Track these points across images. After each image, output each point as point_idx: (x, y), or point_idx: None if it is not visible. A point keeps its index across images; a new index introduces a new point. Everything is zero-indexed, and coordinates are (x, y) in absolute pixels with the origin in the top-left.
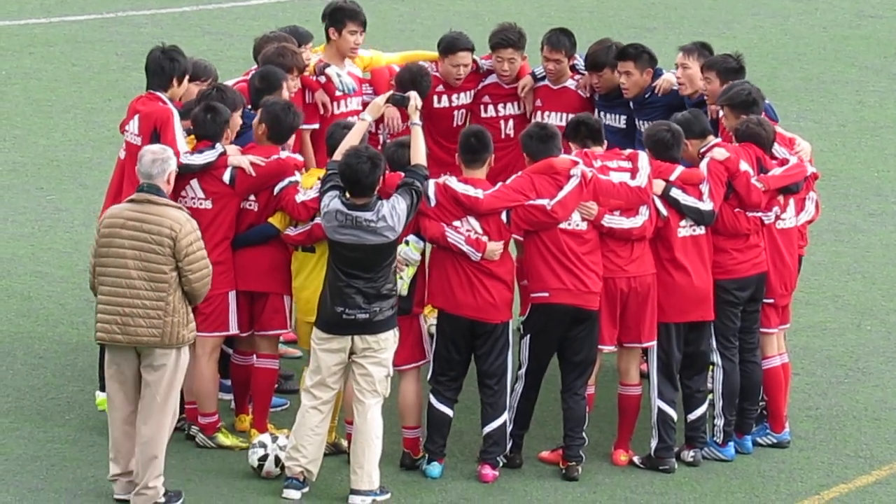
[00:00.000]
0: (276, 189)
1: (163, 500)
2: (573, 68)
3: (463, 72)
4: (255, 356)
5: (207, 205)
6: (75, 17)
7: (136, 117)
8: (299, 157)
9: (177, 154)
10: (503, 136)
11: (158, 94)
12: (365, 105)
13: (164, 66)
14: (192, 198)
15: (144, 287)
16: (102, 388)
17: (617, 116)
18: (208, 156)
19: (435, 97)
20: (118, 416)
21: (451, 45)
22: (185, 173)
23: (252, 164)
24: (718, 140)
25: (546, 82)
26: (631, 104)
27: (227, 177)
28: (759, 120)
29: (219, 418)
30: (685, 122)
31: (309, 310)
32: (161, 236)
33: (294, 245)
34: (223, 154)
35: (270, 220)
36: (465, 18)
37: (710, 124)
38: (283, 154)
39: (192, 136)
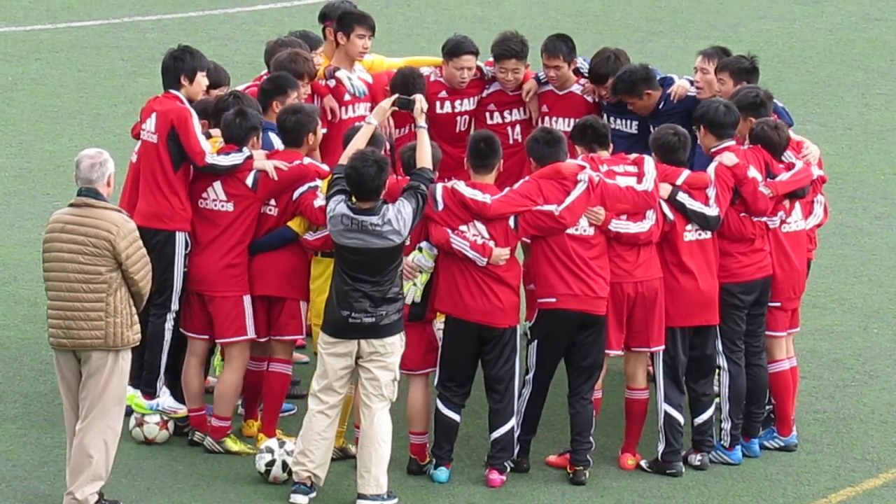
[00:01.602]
0: (296, 194)
1: None
2: (577, 72)
3: (467, 75)
4: (267, 362)
5: (229, 207)
6: (81, 22)
7: (153, 115)
8: (324, 166)
9: (201, 153)
10: (511, 141)
11: (174, 92)
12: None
13: (169, 66)
14: (214, 199)
15: (83, 290)
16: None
17: (628, 122)
18: (235, 158)
19: (437, 103)
20: (69, 424)
21: (455, 49)
22: (209, 174)
23: (275, 168)
24: (731, 143)
25: (551, 87)
26: None
27: (250, 180)
28: (777, 124)
29: (230, 425)
30: (714, 111)
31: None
32: (98, 238)
33: (312, 250)
34: (249, 157)
35: (289, 223)
36: (471, 23)
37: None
38: (307, 160)
39: (214, 139)
